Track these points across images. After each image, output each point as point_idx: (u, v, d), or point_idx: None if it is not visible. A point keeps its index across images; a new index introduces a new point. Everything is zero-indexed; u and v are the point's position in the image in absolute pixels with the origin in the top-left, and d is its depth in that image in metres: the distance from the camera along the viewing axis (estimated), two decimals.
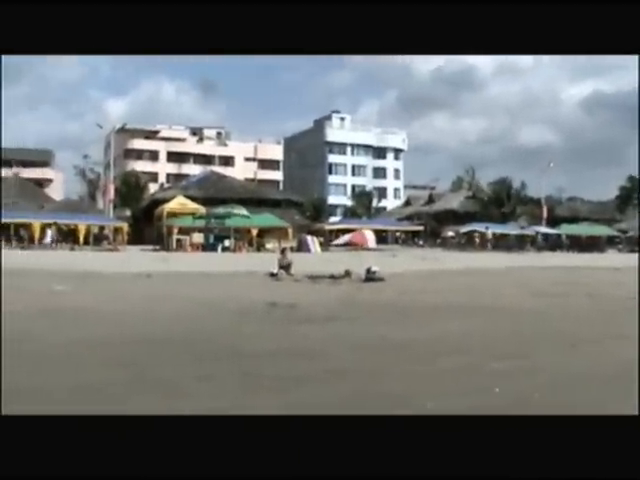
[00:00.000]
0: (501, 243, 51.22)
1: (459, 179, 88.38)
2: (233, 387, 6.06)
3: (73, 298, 13.65)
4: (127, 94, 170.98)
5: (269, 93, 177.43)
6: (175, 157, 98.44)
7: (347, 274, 18.80)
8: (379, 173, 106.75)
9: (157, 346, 8.26)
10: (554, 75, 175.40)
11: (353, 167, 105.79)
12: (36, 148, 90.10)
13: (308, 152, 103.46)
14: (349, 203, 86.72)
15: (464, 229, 54.58)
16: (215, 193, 52.58)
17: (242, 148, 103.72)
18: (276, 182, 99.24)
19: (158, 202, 51.62)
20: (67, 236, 43.59)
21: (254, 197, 54.73)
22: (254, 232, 43.25)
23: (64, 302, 12.78)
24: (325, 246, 45.60)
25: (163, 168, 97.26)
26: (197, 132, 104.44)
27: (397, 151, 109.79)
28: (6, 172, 76.42)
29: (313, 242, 43.32)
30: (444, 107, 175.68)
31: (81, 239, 41.79)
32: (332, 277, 18.64)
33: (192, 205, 45.82)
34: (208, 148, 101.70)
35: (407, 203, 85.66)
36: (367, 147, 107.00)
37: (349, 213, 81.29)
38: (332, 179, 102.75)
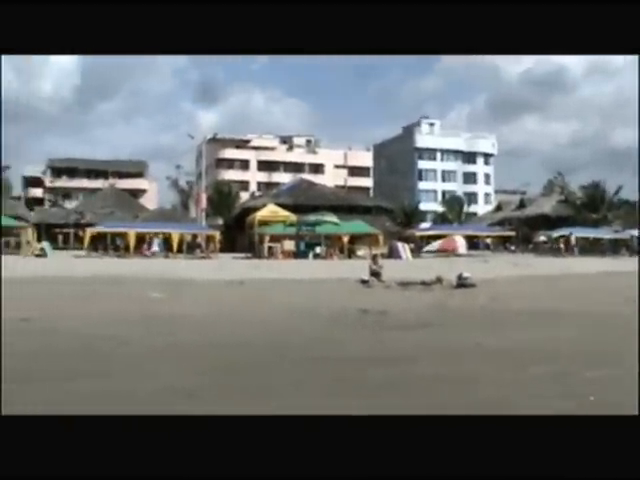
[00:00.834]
0: (595, 247, 49.60)
1: (550, 183, 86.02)
2: (323, 392, 6.07)
3: (169, 305, 14.04)
4: (218, 104, 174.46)
5: (358, 100, 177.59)
6: (265, 166, 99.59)
7: (438, 280, 18.60)
8: (469, 178, 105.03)
9: (249, 351, 8.37)
10: None
11: (443, 173, 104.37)
12: (131, 159, 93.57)
13: (398, 158, 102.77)
14: (439, 209, 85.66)
15: (556, 234, 53.12)
16: (306, 200, 52.79)
17: (332, 155, 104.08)
18: (366, 189, 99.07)
19: (249, 210, 52.35)
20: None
21: (345, 204, 54.74)
22: (345, 239, 43.19)
23: (161, 309, 13.17)
24: (416, 252, 45.14)
25: (254, 177, 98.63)
26: (287, 140, 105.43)
27: (487, 156, 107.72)
28: (103, 183, 79.70)
29: (404, 248, 42.90)
30: (534, 110, 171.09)
31: (174, 247, 42.69)
32: (423, 283, 18.47)
33: (283, 213, 46.09)
34: (298, 156, 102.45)
35: (498, 208, 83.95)
36: (457, 152, 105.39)
37: (439, 219, 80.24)
38: (422, 185, 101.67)
